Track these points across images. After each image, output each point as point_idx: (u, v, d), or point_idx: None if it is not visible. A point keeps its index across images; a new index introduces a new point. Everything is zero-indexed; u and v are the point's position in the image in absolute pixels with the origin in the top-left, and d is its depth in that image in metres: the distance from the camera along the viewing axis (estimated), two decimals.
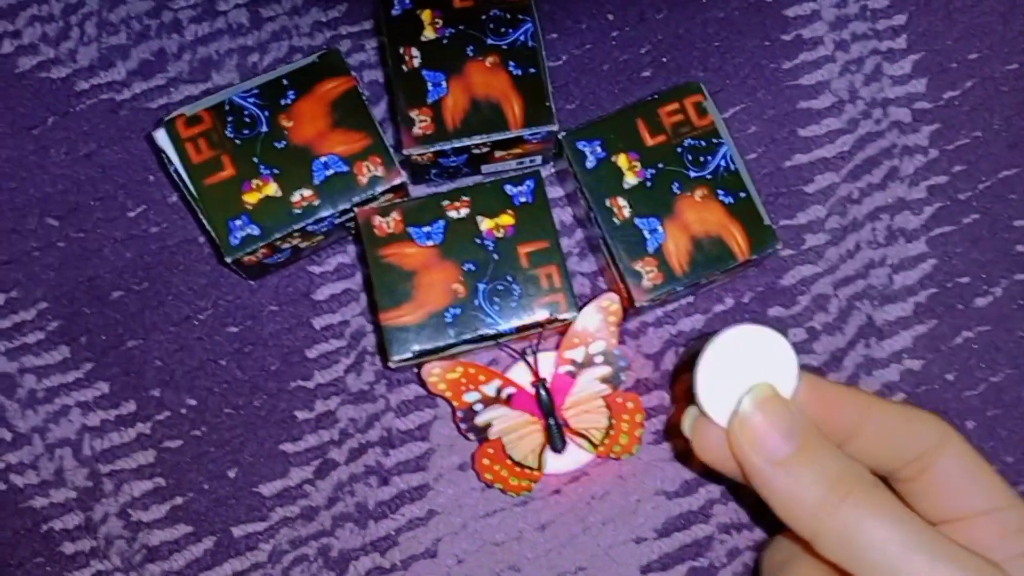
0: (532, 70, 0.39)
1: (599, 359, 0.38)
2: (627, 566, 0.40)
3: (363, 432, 0.41)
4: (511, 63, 0.39)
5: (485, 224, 0.38)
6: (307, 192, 0.37)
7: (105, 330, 0.42)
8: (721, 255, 0.37)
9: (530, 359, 0.39)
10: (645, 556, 0.40)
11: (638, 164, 0.38)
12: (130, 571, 0.39)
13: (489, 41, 0.39)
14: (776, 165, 0.44)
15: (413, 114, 0.38)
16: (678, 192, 0.38)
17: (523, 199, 0.38)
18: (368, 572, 0.39)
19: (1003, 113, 0.45)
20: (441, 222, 0.38)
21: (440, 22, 0.39)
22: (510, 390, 0.38)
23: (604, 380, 0.39)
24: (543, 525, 0.40)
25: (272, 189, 0.37)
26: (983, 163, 0.45)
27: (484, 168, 0.42)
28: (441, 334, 0.37)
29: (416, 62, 0.39)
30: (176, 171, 0.38)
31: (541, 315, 0.37)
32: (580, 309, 0.38)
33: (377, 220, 0.38)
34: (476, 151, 0.39)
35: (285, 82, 0.38)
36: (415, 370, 0.40)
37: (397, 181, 0.38)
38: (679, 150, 0.38)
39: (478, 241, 0.38)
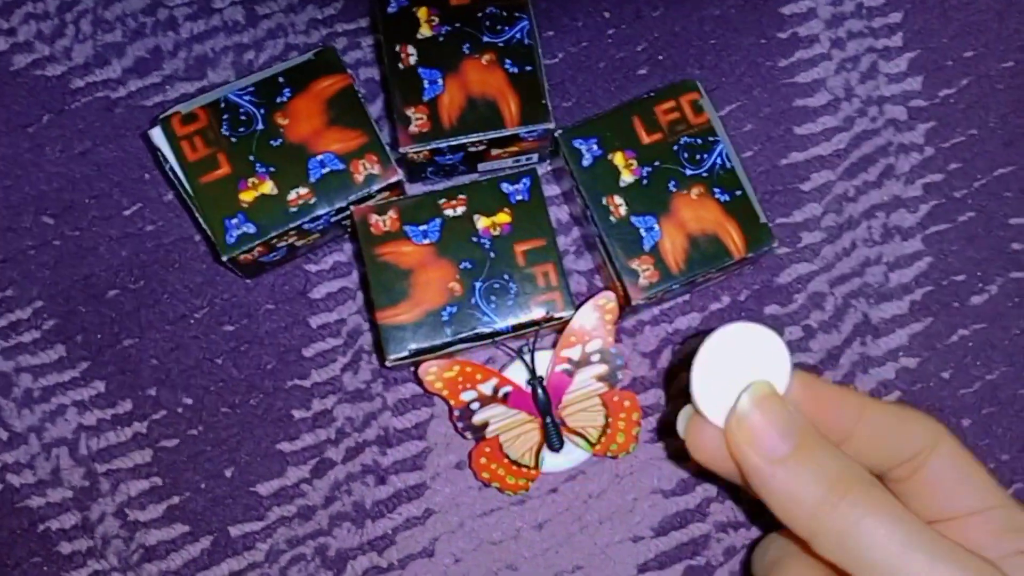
0: (528, 68, 0.39)
1: (596, 357, 0.38)
2: (624, 565, 0.40)
3: (360, 431, 0.41)
4: (507, 61, 0.39)
5: (482, 222, 0.38)
6: (303, 190, 0.37)
7: (101, 329, 0.42)
8: (717, 253, 0.37)
9: (527, 357, 0.39)
10: (642, 555, 0.40)
11: (634, 162, 0.38)
12: (127, 571, 0.39)
13: (485, 39, 0.39)
14: (772, 163, 0.44)
15: (409, 112, 0.38)
16: (674, 190, 0.38)
17: (519, 197, 0.38)
18: (365, 571, 0.39)
19: (999, 111, 0.45)
20: (437, 220, 0.38)
21: (436, 20, 0.39)
22: (507, 389, 0.38)
23: (601, 378, 0.39)
24: (540, 524, 0.40)
25: (268, 187, 0.37)
26: (979, 161, 0.45)
27: (480, 166, 0.42)
28: (438, 333, 0.37)
29: (412, 60, 0.39)
30: (172, 169, 0.38)
31: (538, 313, 0.37)
32: (577, 307, 0.38)
33: (373, 218, 0.38)
34: (472, 149, 0.39)
35: (281, 80, 0.38)
36: (412, 369, 0.40)
37: (393, 179, 0.38)
38: (675, 148, 0.38)
39: (475, 239, 0.38)
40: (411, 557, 0.40)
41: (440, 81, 0.39)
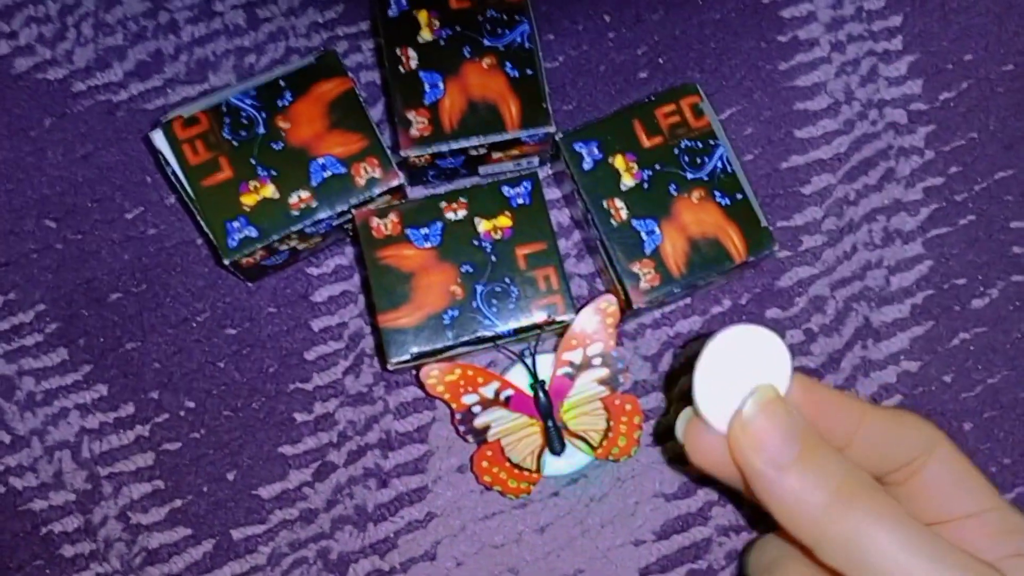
0: (529, 71, 0.39)
1: (597, 361, 0.38)
2: (626, 568, 0.40)
3: (362, 434, 0.41)
4: (508, 64, 0.39)
5: (483, 226, 0.38)
6: (305, 194, 0.37)
7: (103, 332, 0.42)
8: (718, 257, 0.37)
9: (528, 361, 0.39)
10: (644, 558, 0.40)
11: (635, 166, 0.38)
12: (129, 574, 0.39)
13: (486, 42, 0.39)
14: (773, 166, 0.44)
15: (410, 115, 0.38)
16: (675, 194, 0.38)
17: (520, 201, 0.38)
18: (367, 574, 0.39)
19: (999, 114, 0.46)
20: (439, 224, 0.38)
21: (437, 23, 0.39)
22: (508, 392, 0.38)
23: (602, 382, 0.39)
24: (542, 527, 0.40)
25: (270, 191, 0.37)
26: (979, 164, 0.45)
27: (481, 170, 0.42)
28: (439, 336, 0.37)
29: (413, 63, 0.39)
30: (173, 173, 0.38)
31: (539, 317, 0.37)
32: (578, 311, 0.38)
33: (375, 222, 0.38)
34: (473, 152, 0.39)
35: (282, 83, 0.38)
36: (413, 372, 0.40)
37: (395, 183, 0.38)
38: (676, 152, 0.39)
39: (476, 243, 0.38)
40: (413, 560, 0.40)
41: (441, 84, 0.39)
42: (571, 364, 0.39)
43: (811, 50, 0.46)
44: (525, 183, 0.39)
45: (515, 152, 0.41)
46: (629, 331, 0.42)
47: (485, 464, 0.38)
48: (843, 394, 0.29)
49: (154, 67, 0.45)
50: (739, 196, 0.38)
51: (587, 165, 0.38)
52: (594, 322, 0.38)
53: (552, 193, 0.43)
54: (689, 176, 0.38)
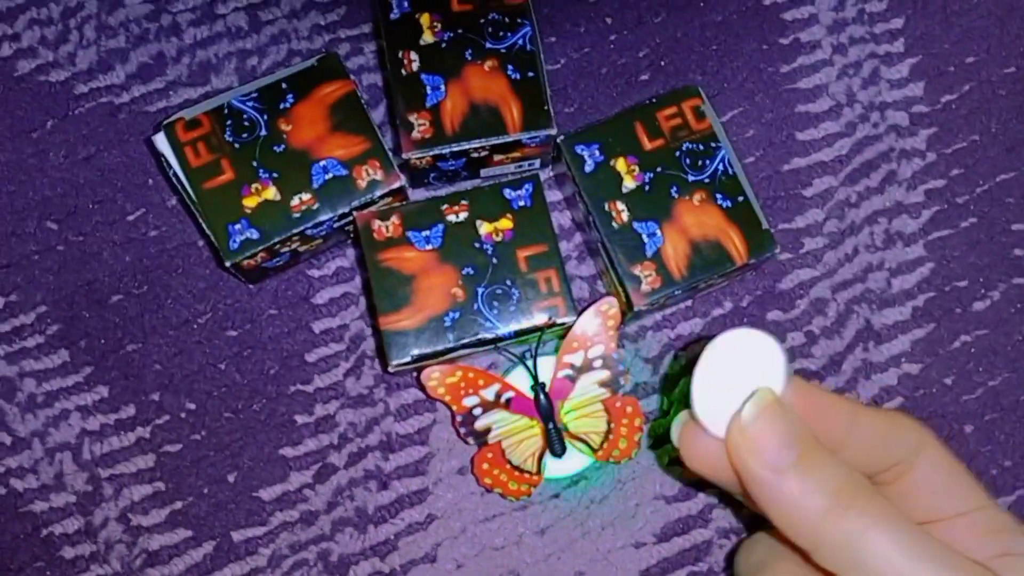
0: (530, 74, 0.39)
1: (598, 363, 0.38)
2: (626, 570, 0.40)
3: (362, 436, 0.41)
4: (510, 67, 0.39)
5: (484, 228, 0.38)
6: (306, 196, 0.37)
7: (104, 334, 0.42)
8: (719, 259, 0.37)
9: (529, 363, 0.39)
10: (644, 561, 0.40)
11: (636, 168, 0.38)
12: None
13: (488, 45, 0.39)
14: (774, 169, 0.44)
15: (412, 118, 0.38)
16: (676, 196, 0.38)
17: (522, 203, 0.38)
18: None
19: (1000, 117, 0.45)
20: (440, 226, 0.38)
21: (439, 26, 0.39)
22: (509, 394, 0.38)
23: (603, 384, 0.39)
24: (542, 529, 0.40)
25: (271, 193, 0.37)
26: (980, 167, 0.45)
27: (483, 172, 0.42)
28: (440, 338, 0.37)
29: (415, 66, 0.39)
30: (175, 175, 0.38)
31: (540, 319, 0.37)
32: (579, 313, 0.38)
33: (376, 224, 0.38)
34: (475, 155, 0.39)
35: (284, 86, 0.38)
36: (414, 374, 0.40)
37: (396, 185, 0.38)
38: (677, 154, 0.39)
39: (477, 245, 0.38)
40: (413, 563, 0.40)
41: (442, 87, 0.39)
42: (572, 366, 0.39)
43: (813, 52, 0.46)
44: (526, 185, 0.39)
45: (516, 154, 0.41)
46: (630, 333, 0.42)
47: (486, 466, 0.38)
48: (834, 395, 0.29)
49: (156, 69, 0.45)
50: (740, 198, 0.38)
51: (588, 167, 0.38)
52: (595, 324, 0.38)
53: (553, 195, 0.43)
54: (690, 178, 0.38)
